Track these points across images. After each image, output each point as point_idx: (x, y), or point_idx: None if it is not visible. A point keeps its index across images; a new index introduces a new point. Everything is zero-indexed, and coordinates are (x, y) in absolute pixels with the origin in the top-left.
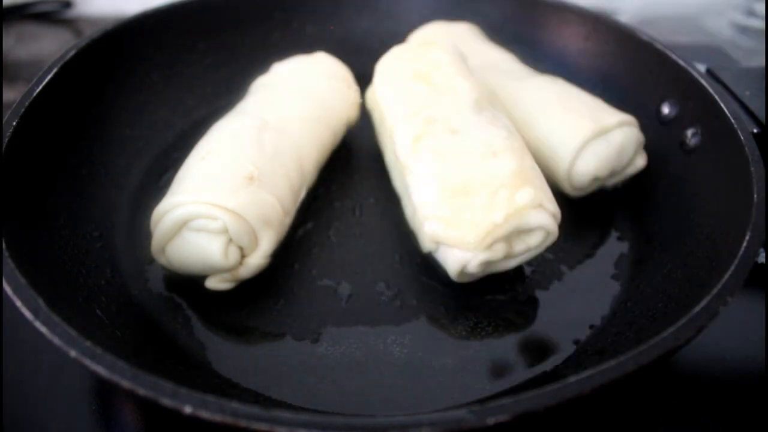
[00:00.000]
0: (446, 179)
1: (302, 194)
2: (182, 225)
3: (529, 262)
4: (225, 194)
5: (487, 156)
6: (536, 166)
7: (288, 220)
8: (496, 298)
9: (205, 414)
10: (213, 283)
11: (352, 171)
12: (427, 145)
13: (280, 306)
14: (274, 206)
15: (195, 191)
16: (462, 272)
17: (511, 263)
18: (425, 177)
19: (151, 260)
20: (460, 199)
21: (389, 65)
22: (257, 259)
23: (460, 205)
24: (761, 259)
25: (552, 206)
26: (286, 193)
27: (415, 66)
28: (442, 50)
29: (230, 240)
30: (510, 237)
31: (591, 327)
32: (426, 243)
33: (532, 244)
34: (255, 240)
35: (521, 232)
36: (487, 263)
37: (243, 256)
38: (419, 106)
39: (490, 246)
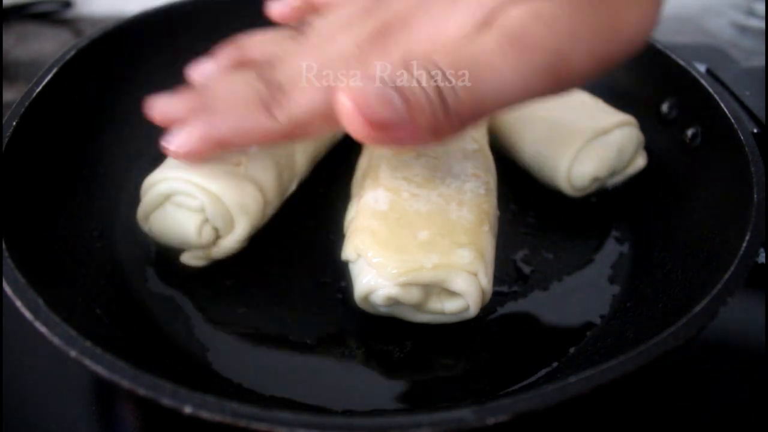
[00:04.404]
0: (402, 200)
1: (292, 187)
2: (165, 198)
3: (528, 262)
4: (208, 176)
5: (452, 201)
6: (492, 244)
7: (270, 211)
8: (496, 297)
9: (205, 414)
10: (187, 259)
11: (352, 171)
12: (404, 161)
13: (280, 306)
14: (255, 196)
15: (182, 168)
16: (367, 296)
17: (417, 317)
18: (385, 187)
19: (152, 260)
20: (404, 227)
21: None
22: (230, 242)
23: (400, 232)
24: (761, 259)
25: (486, 284)
26: (272, 185)
27: None
28: None
29: (206, 220)
30: (430, 289)
31: (591, 327)
32: (348, 250)
33: (447, 309)
34: (231, 224)
35: (443, 290)
36: (395, 301)
37: (218, 237)
38: None
39: (405, 285)
